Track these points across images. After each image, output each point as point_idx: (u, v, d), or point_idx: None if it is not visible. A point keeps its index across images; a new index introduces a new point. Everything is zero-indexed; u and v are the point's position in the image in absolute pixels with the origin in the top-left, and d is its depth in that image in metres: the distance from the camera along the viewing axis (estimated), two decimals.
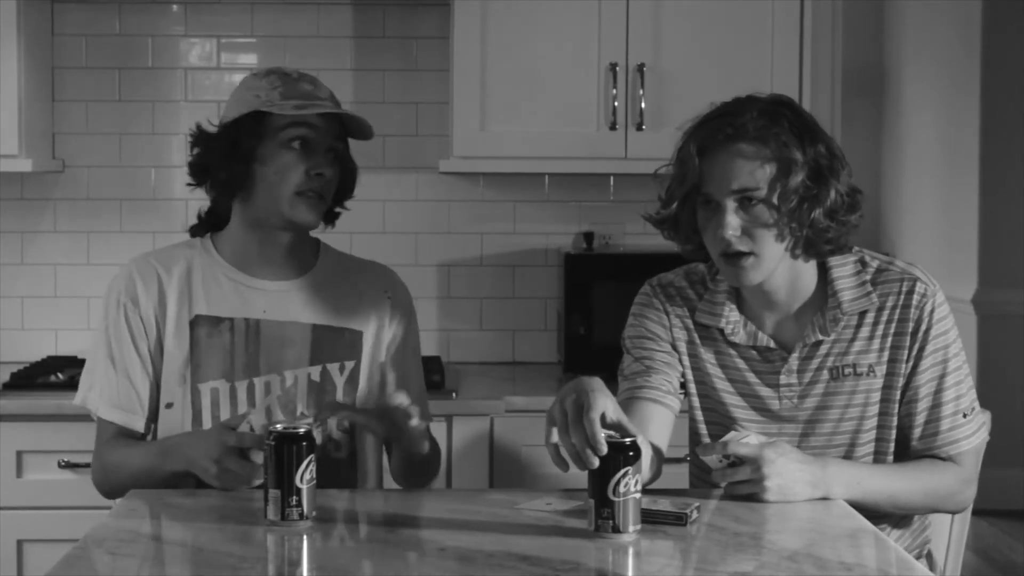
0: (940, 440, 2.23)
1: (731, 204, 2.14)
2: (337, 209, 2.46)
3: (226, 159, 2.34)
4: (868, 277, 2.24)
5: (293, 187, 2.32)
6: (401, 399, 2.15)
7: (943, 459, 2.24)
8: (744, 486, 2.07)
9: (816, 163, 2.14)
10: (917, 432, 2.23)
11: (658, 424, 2.24)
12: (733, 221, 2.13)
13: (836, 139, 2.24)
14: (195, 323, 2.36)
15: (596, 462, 1.84)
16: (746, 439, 2.10)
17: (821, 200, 2.13)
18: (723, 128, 2.14)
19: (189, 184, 2.42)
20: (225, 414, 2.34)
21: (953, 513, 2.35)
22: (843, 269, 2.25)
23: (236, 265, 2.40)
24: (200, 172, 2.39)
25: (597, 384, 1.93)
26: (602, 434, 1.85)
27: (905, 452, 2.25)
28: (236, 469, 2.08)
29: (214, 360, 2.35)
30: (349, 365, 2.42)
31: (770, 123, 2.13)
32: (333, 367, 2.40)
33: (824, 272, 2.25)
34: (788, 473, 2.07)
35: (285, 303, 2.40)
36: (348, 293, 2.45)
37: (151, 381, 2.36)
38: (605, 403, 1.89)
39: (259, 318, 2.38)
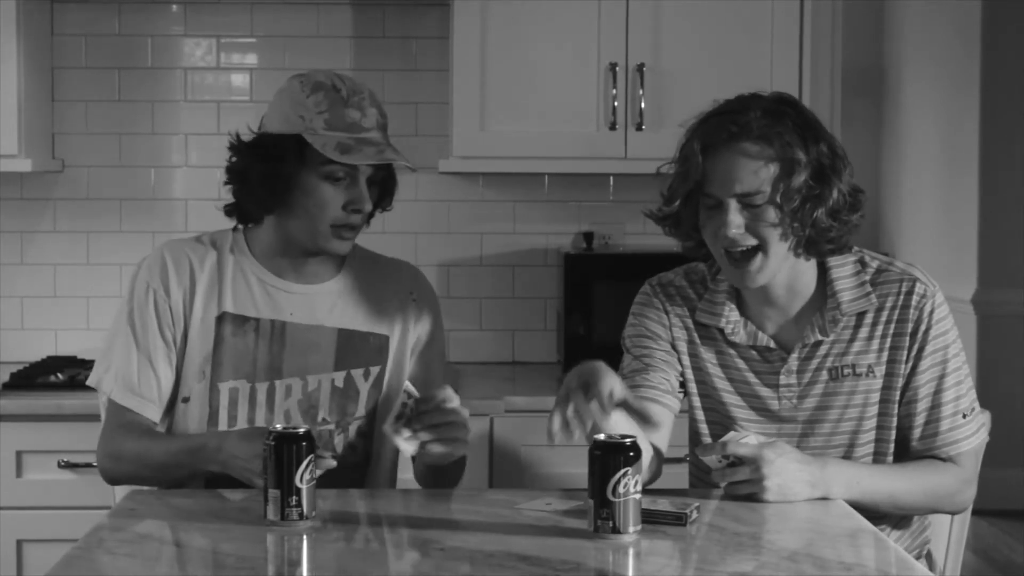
0: (940, 440, 2.23)
1: (734, 204, 2.13)
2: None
3: (266, 178, 2.29)
4: (867, 277, 2.24)
5: (330, 220, 2.30)
6: (450, 398, 2.10)
7: (943, 459, 2.24)
8: (744, 486, 2.07)
9: (819, 163, 2.13)
10: (917, 432, 2.23)
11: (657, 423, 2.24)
12: (736, 220, 2.13)
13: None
14: (221, 320, 2.34)
15: (578, 436, 1.89)
16: (745, 439, 2.10)
17: (824, 200, 2.13)
18: (727, 126, 2.13)
19: (226, 183, 2.37)
20: (243, 415, 2.33)
21: (953, 513, 2.35)
22: (842, 269, 2.24)
23: (266, 265, 2.38)
24: (238, 179, 2.34)
25: (603, 366, 1.96)
26: (609, 401, 1.90)
27: (905, 452, 2.25)
28: None
29: (236, 360, 2.33)
30: (375, 371, 2.40)
31: (774, 122, 2.13)
32: (357, 373, 2.38)
33: (823, 272, 2.25)
34: (787, 473, 2.06)
35: (313, 306, 2.37)
36: (375, 296, 2.42)
37: (173, 371, 2.33)
38: (612, 382, 1.93)
39: (286, 320, 2.35)
